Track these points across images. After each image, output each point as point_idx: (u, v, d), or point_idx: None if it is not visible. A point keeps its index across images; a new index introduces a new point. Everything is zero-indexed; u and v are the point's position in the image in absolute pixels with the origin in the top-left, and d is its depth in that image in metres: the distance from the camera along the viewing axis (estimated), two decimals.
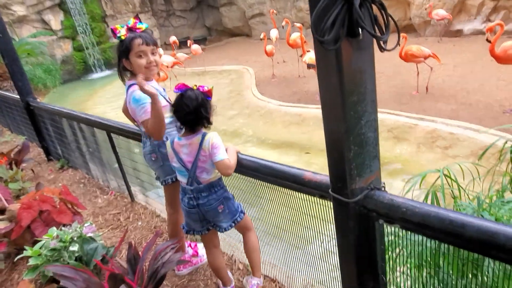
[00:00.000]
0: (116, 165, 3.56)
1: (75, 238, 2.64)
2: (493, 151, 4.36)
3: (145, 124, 2.09)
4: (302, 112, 6.60)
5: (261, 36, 9.31)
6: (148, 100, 2.01)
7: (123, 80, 2.24)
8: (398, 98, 6.25)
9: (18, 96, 4.95)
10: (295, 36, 8.61)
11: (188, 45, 11.73)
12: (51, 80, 12.47)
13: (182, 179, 2.00)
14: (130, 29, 2.12)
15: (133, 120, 2.45)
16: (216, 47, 15.65)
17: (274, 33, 10.55)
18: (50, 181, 4.51)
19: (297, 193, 1.83)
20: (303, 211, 1.91)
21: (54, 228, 2.68)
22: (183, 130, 1.95)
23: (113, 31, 2.13)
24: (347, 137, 1.32)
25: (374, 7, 1.21)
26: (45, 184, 4.18)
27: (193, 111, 1.84)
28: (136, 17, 2.17)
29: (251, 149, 5.93)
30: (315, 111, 6.46)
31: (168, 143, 1.99)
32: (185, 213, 2.07)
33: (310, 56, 7.25)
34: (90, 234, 2.61)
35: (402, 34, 6.25)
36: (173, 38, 12.79)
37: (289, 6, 13.59)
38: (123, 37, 2.09)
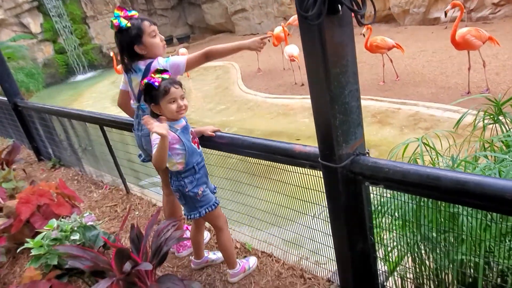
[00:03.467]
0: (110, 159, 3.63)
1: (76, 228, 2.72)
2: (466, 127, 4.57)
3: (184, 61, 2.20)
4: (288, 103, 6.74)
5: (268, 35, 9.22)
6: None
7: (127, 68, 2.29)
8: (380, 85, 6.43)
9: (5, 98, 4.95)
10: (278, 30, 8.72)
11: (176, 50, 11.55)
12: (34, 84, 12.33)
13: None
14: (126, 18, 2.21)
15: (130, 112, 2.52)
16: (200, 45, 15.65)
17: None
18: (42, 180, 4.54)
19: (288, 167, 1.96)
20: (294, 185, 2.03)
21: (54, 219, 2.74)
22: None
23: (114, 24, 2.19)
24: (332, 106, 1.45)
25: None
26: (38, 183, 4.22)
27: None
28: (120, 7, 2.24)
29: None
30: (301, 101, 6.61)
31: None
32: None
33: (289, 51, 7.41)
34: (90, 223, 2.69)
35: (367, 26, 6.41)
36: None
37: (270, 1, 13.68)
38: (128, 25, 2.17)
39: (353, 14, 1.35)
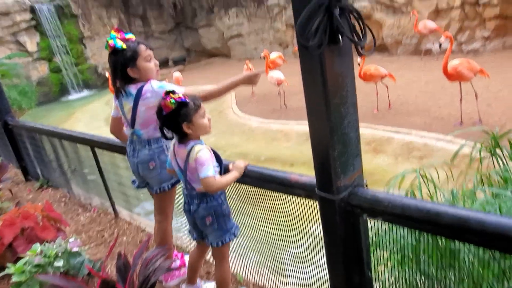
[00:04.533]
0: (100, 181, 3.55)
1: (60, 254, 2.61)
2: (462, 158, 4.58)
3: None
4: (283, 128, 6.74)
5: (262, 55, 9.30)
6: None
7: (118, 91, 2.26)
8: (374, 114, 6.48)
9: None
10: (275, 55, 8.84)
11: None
12: (26, 102, 12.27)
13: (182, 182, 2.05)
14: (123, 40, 2.19)
15: (124, 138, 2.46)
16: (195, 68, 15.81)
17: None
18: (29, 200, 4.41)
19: (280, 196, 1.91)
20: (288, 213, 1.98)
21: (38, 244, 2.63)
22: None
23: (109, 44, 2.17)
24: (331, 136, 1.42)
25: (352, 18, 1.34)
26: (24, 204, 4.09)
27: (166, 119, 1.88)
28: (117, 29, 2.23)
29: None
30: (296, 127, 6.62)
31: (172, 143, 2.02)
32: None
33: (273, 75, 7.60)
34: (75, 249, 2.59)
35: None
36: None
37: (266, 27, 13.95)
38: (124, 47, 2.15)
39: (353, 45, 1.34)
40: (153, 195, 2.46)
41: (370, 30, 1.36)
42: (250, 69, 9.18)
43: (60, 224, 3.13)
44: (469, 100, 5.79)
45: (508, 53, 8.51)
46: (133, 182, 2.54)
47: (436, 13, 9.49)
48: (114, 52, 2.15)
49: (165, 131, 1.92)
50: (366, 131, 5.76)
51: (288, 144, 6.23)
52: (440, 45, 5.40)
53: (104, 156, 3.29)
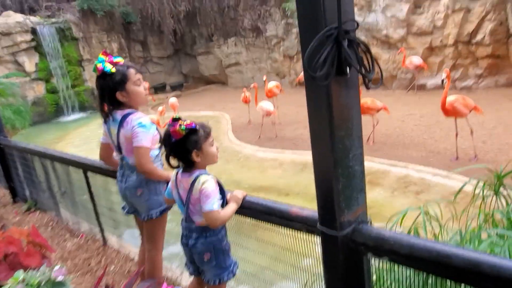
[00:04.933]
0: (90, 206, 3.44)
1: (43, 283, 2.47)
2: (461, 195, 4.54)
3: (138, 151, 2.08)
4: (278, 157, 6.70)
5: (264, 78, 9.49)
6: (154, 130, 2.12)
7: (106, 116, 2.23)
8: (370, 146, 6.48)
9: None
10: (272, 84, 8.93)
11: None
12: (20, 121, 12.12)
13: (181, 213, 1.96)
14: (111, 63, 2.16)
15: (114, 164, 2.42)
16: (192, 94, 15.91)
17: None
18: (15, 224, 4.26)
19: (274, 227, 1.83)
20: (283, 246, 1.90)
21: (21, 271, 2.49)
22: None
23: (97, 68, 2.15)
24: (336, 169, 1.37)
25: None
26: (9, 227, 3.94)
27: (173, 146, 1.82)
28: (105, 52, 2.21)
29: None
30: (292, 156, 6.58)
31: (174, 172, 1.96)
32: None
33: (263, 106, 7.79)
34: (60, 278, 2.45)
35: None
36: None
37: (264, 57, 14.19)
38: (113, 71, 2.12)
39: (360, 78, 1.32)
40: (142, 223, 2.38)
41: (378, 64, 1.34)
42: (246, 97, 9.24)
43: (46, 250, 2.98)
44: (464, 136, 5.83)
45: (500, 91, 8.68)
46: (123, 208, 2.47)
47: (430, 50, 9.74)
48: (103, 76, 2.12)
49: (171, 159, 1.85)
50: None
51: (283, 174, 6.17)
52: (443, 81, 5.48)
53: (96, 180, 3.20)
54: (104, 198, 3.31)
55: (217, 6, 14.44)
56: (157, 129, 2.25)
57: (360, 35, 10.82)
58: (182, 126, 1.75)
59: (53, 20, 14.55)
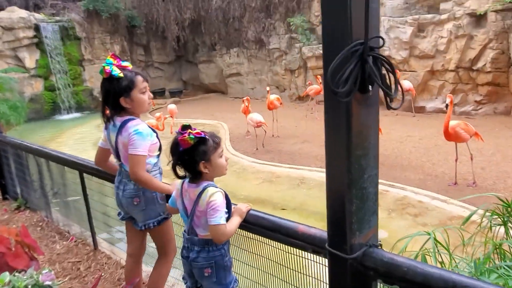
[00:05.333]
0: (82, 208, 3.34)
1: (30, 286, 2.37)
2: (459, 221, 4.50)
3: (132, 158, 2.02)
4: (275, 170, 6.64)
5: (268, 89, 9.63)
6: (152, 138, 2.06)
7: (108, 120, 2.17)
8: None
9: None
10: (273, 97, 8.93)
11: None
12: (15, 117, 11.94)
13: (184, 224, 1.89)
14: (119, 67, 2.11)
15: (110, 169, 2.36)
16: (191, 101, 15.88)
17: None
18: (2, 222, 4.14)
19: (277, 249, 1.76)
20: (289, 267, 1.83)
21: (7, 273, 2.39)
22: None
23: (105, 70, 2.10)
24: (350, 190, 1.32)
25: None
26: None
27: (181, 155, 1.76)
28: (114, 55, 2.16)
29: None
30: (289, 170, 6.53)
31: (179, 181, 1.89)
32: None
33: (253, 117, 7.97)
34: (48, 283, 2.36)
35: None
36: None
37: (265, 69, 14.23)
38: (121, 75, 2.07)
39: (381, 96, 1.28)
40: (134, 231, 2.31)
41: (400, 85, 1.31)
42: (247, 106, 9.21)
43: (34, 251, 2.88)
44: (463, 161, 5.82)
45: (499, 118, 8.75)
46: (119, 214, 2.40)
47: (432, 74, 9.81)
48: (109, 79, 2.06)
49: (177, 169, 1.79)
50: None
51: (279, 187, 6.10)
52: (447, 106, 5.51)
53: (92, 183, 3.12)
54: (99, 201, 3.22)
55: (222, 16, 14.52)
56: (157, 137, 2.20)
57: None
58: (191, 135, 1.70)
59: (57, 18, 14.53)
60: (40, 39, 13.91)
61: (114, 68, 2.08)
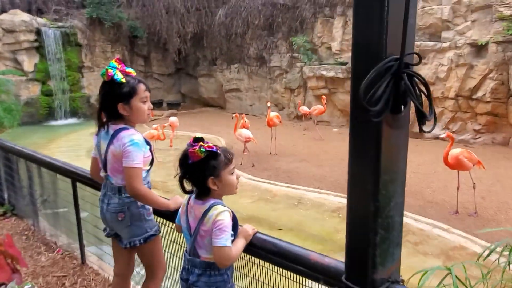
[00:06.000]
0: (72, 219, 3.18)
1: None
2: (461, 252, 4.37)
3: (129, 171, 1.88)
4: (272, 188, 6.50)
5: (268, 104, 9.71)
6: (145, 150, 1.95)
7: (102, 125, 2.04)
8: None
9: None
10: (273, 115, 8.88)
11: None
12: (9, 120, 11.78)
13: (186, 243, 1.75)
14: (122, 73, 2.01)
15: (101, 180, 2.23)
16: (188, 114, 15.79)
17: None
18: None
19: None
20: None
21: None
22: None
23: (107, 73, 1.98)
24: (375, 219, 1.20)
25: None
26: None
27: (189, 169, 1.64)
28: (119, 59, 2.06)
29: None
30: (286, 189, 6.39)
31: (185, 197, 1.76)
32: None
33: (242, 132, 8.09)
34: None
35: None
36: None
37: (265, 87, 14.23)
38: (123, 81, 1.97)
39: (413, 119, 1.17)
40: (121, 249, 2.15)
41: (433, 107, 1.21)
42: (245, 123, 9.13)
43: (18, 263, 2.70)
44: (463, 189, 5.72)
45: (497, 148, 8.73)
46: (104, 229, 2.25)
47: None
48: (110, 83, 1.95)
49: (185, 183, 1.67)
50: None
51: (276, 206, 5.95)
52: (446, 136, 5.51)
53: (84, 192, 2.96)
54: (90, 212, 3.06)
55: (224, 32, 14.58)
56: (150, 150, 2.08)
57: None
58: (202, 148, 1.58)
59: (60, 24, 14.51)
60: (41, 44, 13.84)
61: (117, 72, 1.98)
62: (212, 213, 1.60)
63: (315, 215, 5.50)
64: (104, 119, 2.01)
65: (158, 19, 14.99)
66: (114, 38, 15.63)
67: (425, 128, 1.19)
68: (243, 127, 8.89)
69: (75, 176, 2.94)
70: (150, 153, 2.03)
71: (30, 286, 2.30)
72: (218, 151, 1.62)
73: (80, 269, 3.07)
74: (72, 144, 10.93)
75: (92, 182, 2.74)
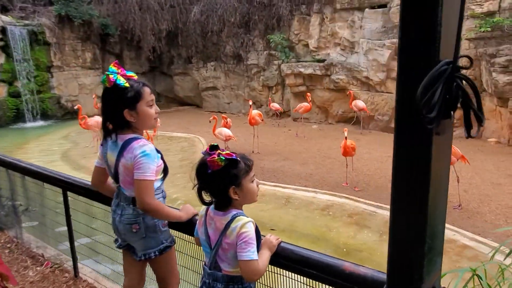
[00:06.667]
0: (62, 230, 3.00)
1: None
2: (451, 245, 4.47)
3: (140, 184, 1.78)
4: (259, 188, 6.43)
5: (250, 103, 9.67)
6: (157, 160, 1.85)
7: (106, 136, 1.92)
8: (353, 185, 6.40)
9: None
10: (255, 113, 8.82)
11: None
12: None
13: (205, 257, 1.66)
14: (124, 77, 1.89)
15: (108, 191, 2.11)
16: (164, 114, 15.45)
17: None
18: None
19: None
20: None
21: None
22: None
23: (109, 79, 1.86)
24: (424, 229, 1.15)
25: None
26: None
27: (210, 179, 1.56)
28: (117, 63, 1.95)
29: None
30: (274, 188, 6.35)
31: (203, 208, 1.67)
32: None
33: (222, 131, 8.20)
34: None
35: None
36: None
37: (243, 84, 14.15)
38: (126, 85, 1.85)
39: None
40: (133, 261, 2.05)
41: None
42: (227, 122, 9.03)
43: (7, 281, 2.52)
44: None
45: (472, 141, 9.02)
46: (116, 241, 2.13)
47: None
48: (113, 90, 1.83)
49: (203, 194, 1.58)
50: (347, 202, 5.62)
51: (265, 206, 5.90)
52: None
53: (79, 202, 2.80)
54: (83, 223, 2.90)
55: (200, 29, 14.36)
56: (162, 158, 1.97)
57: (341, 74, 11.06)
58: (221, 156, 1.50)
59: (26, 22, 13.84)
60: (7, 43, 13.16)
61: (119, 77, 1.86)
62: (235, 225, 1.53)
63: (305, 214, 5.50)
64: (110, 127, 1.88)
65: (131, 16, 14.57)
66: (85, 36, 15.08)
67: (472, 133, 1.15)
68: (225, 127, 8.79)
69: (66, 185, 2.77)
70: (162, 162, 1.93)
71: None
72: (238, 158, 1.55)
73: (73, 283, 2.90)
74: (44, 149, 10.45)
75: (84, 191, 2.59)
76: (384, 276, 1.32)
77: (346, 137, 6.40)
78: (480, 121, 1.08)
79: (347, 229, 4.96)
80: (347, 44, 11.09)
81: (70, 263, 3.14)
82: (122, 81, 1.85)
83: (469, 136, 1.16)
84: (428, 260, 1.20)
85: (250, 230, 1.51)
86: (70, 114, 14.97)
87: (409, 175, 1.15)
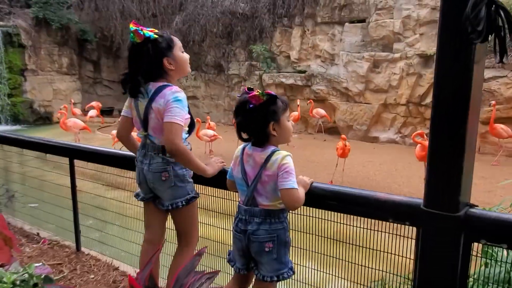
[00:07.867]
0: (65, 203, 2.94)
1: (18, 282, 1.97)
2: None
3: (171, 126, 1.81)
4: None
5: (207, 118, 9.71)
6: (187, 110, 1.92)
7: (136, 90, 1.95)
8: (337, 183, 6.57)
9: None
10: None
11: None
12: None
13: (241, 195, 1.71)
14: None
15: (130, 145, 2.14)
16: None
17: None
18: None
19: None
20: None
21: None
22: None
23: (137, 34, 1.90)
24: (463, 142, 1.28)
25: None
26: None
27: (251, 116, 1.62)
28: (135, 22, 1.99)
29: None
30: None
31: (239, 148, 1.72)
32: (232, 237, 1.72)
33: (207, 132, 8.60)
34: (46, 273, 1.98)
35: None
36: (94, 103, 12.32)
37: (223, 94, 14.26)
38: (156, 36, 1.91)
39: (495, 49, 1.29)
40: (157, 213, 2.06)
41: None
42: (211, 125, 9.08)
43: (12, 247, 2.44)
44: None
45: None
46: (137, 195, 2.13)
47: (385, 106, 10.49)
48: (144, 44, 1.87)
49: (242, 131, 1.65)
50: None
51: None
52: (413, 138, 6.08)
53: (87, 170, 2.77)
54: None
55: (181, 39, 14.26)
56: (189, 112, 2.03)
57: (321, 85, 11.40)
58: (261, 92, 1.58)
59: (1, 23, 13.47)
60: None
61: (145, 31, 1.91)
62: (276, 157, 1.60)
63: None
64: (140, 84, 1.92)
65: (112, 22, 14.47)
66: (62, 40, 14.81)
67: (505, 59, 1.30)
68: (209, 129, 8.83)
69: (72, 154, 2.73)
70: (189, 115, 1.97)
71: (41, 264, 2.09)
72: (277, 95, 1.64)
73: (76, 256, 2.82)
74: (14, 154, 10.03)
75: (93, 157, 2.59)
76: (417, 201, 1.43)
77: (345, 139, 6.75)
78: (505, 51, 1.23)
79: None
80: (328, 56, 11.49)
81: (68, 242, 3.07)
82: (150, 33, 1.91)
83: (500, 61, 1.31)
84: (466, 173, 1.32)
85: (290, 162, 1.59)
86: (42, 120, 14.52)
87: (451, 94, 1.27)
